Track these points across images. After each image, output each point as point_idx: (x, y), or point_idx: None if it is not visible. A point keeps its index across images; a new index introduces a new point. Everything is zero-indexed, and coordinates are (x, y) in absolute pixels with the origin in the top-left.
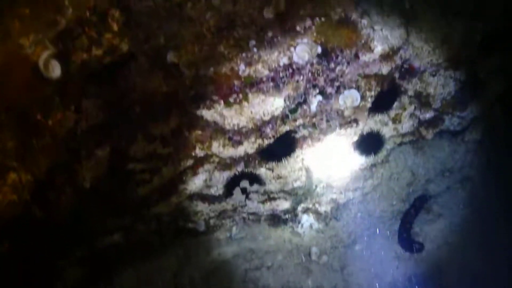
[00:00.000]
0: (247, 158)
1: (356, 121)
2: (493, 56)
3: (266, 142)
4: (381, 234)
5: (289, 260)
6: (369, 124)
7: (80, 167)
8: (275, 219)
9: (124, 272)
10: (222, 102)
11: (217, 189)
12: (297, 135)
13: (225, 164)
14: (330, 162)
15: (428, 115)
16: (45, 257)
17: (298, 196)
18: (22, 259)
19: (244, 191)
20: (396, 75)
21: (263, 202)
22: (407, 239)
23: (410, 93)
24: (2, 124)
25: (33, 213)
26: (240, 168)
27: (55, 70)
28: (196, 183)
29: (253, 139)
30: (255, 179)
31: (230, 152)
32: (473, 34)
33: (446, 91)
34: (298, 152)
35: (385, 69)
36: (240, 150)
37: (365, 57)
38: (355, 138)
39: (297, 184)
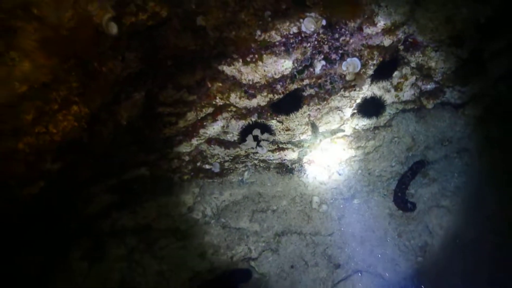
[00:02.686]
0: (260, 110)
1: (358, 85)
2: (497, 38)
3: (277, 97)
4: (378, 192)
5: (293, 206)
6: (372, 89)
7: (120, 107)
8: (283, 168)
9: (146, 203)
10: (240, 60)
11: (233, 136)
12: (304, 93)
13: (240, 114)
14: (334, 119)
15: (429, 86)
16: (84, 181)
17: (304, 148)
18: (66, 180)
19: (255, 138)
20: (401, 47)
21: (272, 151)
22: (401, 198)
23: (413, 64)
24: (71, 69)
25: (83, 140)
26: (253, 118)
27: (113, 29)
28: (215, 128)
29: (265, 93)
30: (266, 129)
31: (245, 103)
32: (477, 17)
33: (447, 66)
34: (305, 108)
35: (387, 41)
36: (254, 102)
37: (368, 30)
38: (358, 100)
39: (303, 137)
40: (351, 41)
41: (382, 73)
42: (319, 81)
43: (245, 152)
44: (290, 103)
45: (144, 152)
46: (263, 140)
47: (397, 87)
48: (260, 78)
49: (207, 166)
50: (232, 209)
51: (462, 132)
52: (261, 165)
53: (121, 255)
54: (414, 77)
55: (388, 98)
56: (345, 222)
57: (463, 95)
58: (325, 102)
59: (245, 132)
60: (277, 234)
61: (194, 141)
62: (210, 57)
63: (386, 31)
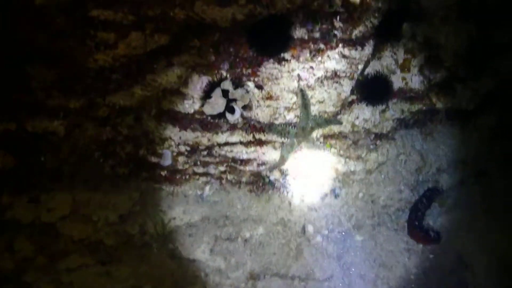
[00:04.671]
0: (233, 32)
1: (362, 44)
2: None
3: (259, 10)
4: (387, 226)
5: (273, 236)
6: (374, 66)
7: None
8: (259, 183)
9: (57, 193)
10: None
11: (193, 103)
12: (294, 34)
13: (206, 65)
14: (331, 96)
15: (439, 75)
16: None
17: (291, 138)
18: None
19: (225, 94)
20: None
21: (247, 144)
22: (420, 227)
23: (419, 38)
24: None
25: None
26: (224, 67)
27: None
28: (169, 76)
29: (243, 1)
30: (240, 85)
31: (215, 13)
32: None
33: (457, 43)
34: (293, 64)
35: None
36: (227, 13)
37: None
38: (360, 68)
39: (289, 116)
40: None
41: (388, 28)
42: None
43: (208, 140)
44: (275, 36)
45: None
46: (236, 100)
47: (404, 66)
48: None
49: (154, 159)
50: (186, 231)
51: (476, 150)
52: (228, 178)
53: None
54: (422, 56)
55: (395, 80)
56: (347, 261)
57: (475, 96)
58: (319, 57)
59: (211, 89)
60: (252, 276)
61: (138, 91)
62: None
63: None
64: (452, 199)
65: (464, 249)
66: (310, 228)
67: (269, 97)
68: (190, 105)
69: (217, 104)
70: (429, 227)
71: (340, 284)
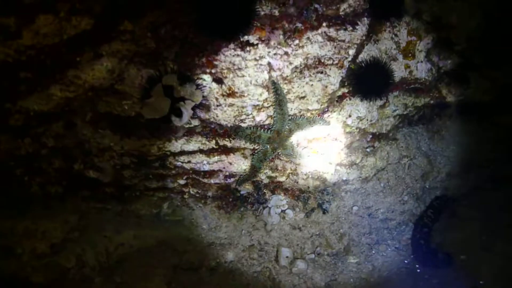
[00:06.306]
0: (176, 9)
1: (353, 23)
2: None
3: None
4: (386, 244)
5: (246, 264)
6: (370, 50)
7: None
8: (228, 199)
9: None
10: None
11: (133, 102)
12: (260, 8)
13: (145, 55)
14: (314, 90)
15: (450, 62)
16: None
17: (263, 144)
18: None
19: (168, 91)
20: None
21: (208, 152)
22: (426, 248)
23: (426, 16)
24: None
25: None
26: (169, 57)
27: None
28: (96, 71)
29: None
30: (189, 80)
31: None
32: None
33: (472, 24)
34: (261, 49)
35: None
36: None
37: None
38: (351, 53)
39: (260, 117)
40: None
41: (387, 1)
42: None
43: (159, 149)
44: (232, 12)
45: None
46: (184, 99)
47: (407, 50)
48: None
49: (92, 173)
50: (137, 261)
51: (493, 151)
52: (191, 192)
53: None
54: (430, 38)
55: (396, 68)
56: None
57: (493, 87)
58: (296, 40)
59: (151, 86)
60: None
61: (56, 91)
62: None
63: None
64: (465, 210)
65: (481, 276)
66: (289, 253)
67: (232, 94)
68: (130, 107)
69: (158, 105)
70: (438, 247)
71: None
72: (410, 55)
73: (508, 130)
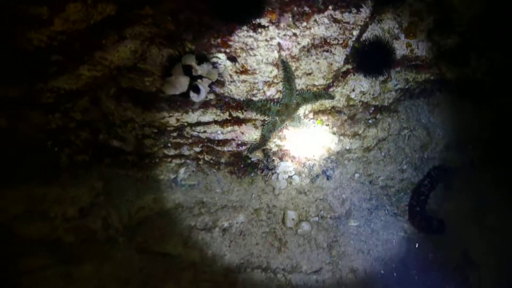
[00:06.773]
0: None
1: (357, 5)
2: None
3: None
4: (385, 210)
5: (255, 225)
6: (373, 30)
7: None
8: (240, 165)
9: (9, 193)
10: None
11: (154, 79)
12: None
13: (165, 36)
14: (320, 67)
15: (450, 41)
16: None
17: (272, 116)
18: None
19: (187, 70)
20: None
21: (222, 123)
22: (422, 214)
23: None
24: None
25: None
26: (188, 38)
27: None
28: (120, 52)
29: None
30: (206, 60)
31: None
32: None
33: (474, 5)
34: (271, 31)
35: None
36: None
37: None
38: (355, 34)
39: (270, 92)
40: None
41: None
42: None
43: (176, 120)
44: None
45: None
46: (201, 77)
47: (409, 31)
48: None
49: (116, 143)
50: (156, 223)
51: (491, 130)
52: (206, 158)
53: None
54: (431, 19)
55: (397, 47)
56: (338, 252)
57: (493, 68)
58: (304, 23)
59: (171, 65)
60: (229, 269)
61: (85, 71)
62: None
63: None
64: (460, 181)
65: (470, 245)
66: (294, 215)
67: (244, 71)
68: (151, 83)
69: (178, 82)
70: (433, 214)
71: (330, 278)
72: (411, 34)
73: (507, 112)
